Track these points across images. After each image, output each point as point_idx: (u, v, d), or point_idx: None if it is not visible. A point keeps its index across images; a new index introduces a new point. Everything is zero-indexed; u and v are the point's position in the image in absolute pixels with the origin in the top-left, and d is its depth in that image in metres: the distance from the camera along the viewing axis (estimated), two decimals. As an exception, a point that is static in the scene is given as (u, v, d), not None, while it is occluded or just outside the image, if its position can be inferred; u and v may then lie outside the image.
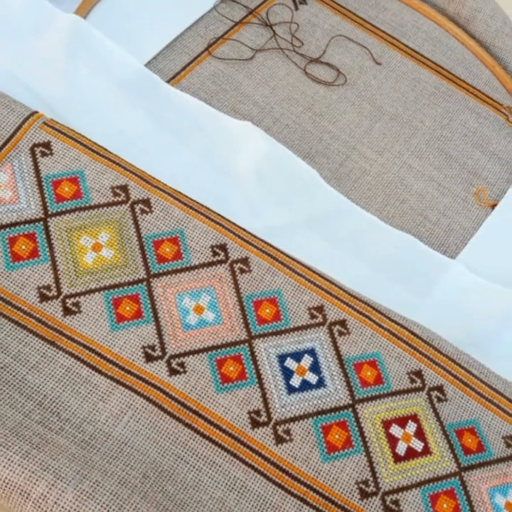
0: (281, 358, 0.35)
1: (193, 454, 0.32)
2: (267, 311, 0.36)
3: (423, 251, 0.42)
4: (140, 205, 0.37)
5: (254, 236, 0.38)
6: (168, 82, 0.46)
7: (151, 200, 0.37)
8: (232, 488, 0.32)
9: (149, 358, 0.34)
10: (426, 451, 0.35)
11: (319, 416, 0.34)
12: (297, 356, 0.35)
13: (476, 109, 0.51)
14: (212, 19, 0.49)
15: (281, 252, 0.38)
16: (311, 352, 0.36)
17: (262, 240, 0.38)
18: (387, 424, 0.35)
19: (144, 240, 0.36)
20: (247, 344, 0.35)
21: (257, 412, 0.34)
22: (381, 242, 0.42)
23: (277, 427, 0.34)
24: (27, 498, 0.29)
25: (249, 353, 0.35)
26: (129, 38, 0.45)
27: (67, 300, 0.34)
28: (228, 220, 0.38)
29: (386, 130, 0.49)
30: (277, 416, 0.34)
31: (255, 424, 0.33)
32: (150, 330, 0.34)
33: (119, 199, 0.37)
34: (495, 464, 0.36)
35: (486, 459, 0.36)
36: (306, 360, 0.35)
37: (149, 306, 0.35)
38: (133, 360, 0.33)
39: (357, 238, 0.42)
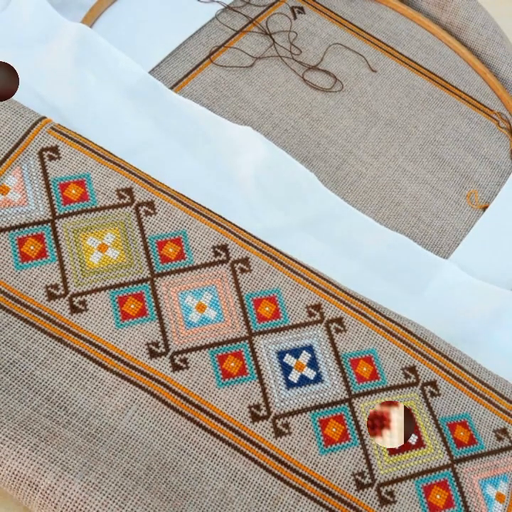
0: (281, 354, 0.36)
1: (196, 446, 0.33)
2: (267, 309, 0.37)
3: (417, 251, 0.43)
4: (144, 207, 0.38)
5: (255, 237, 0.38)
6: (171, 88, 0.46)
7: (155, 202, 0.38)
8: (233, 479, 0.33)
9: (153, 354, 0.34)
10: (420, 443, 0.35)
11: (317, 410, 0.35)
12: (296, 352, 0.36)
13: (468, 114, 0.52)
14: (214, 28, 0.50)
15: (281, 253, 0.38)
16: (309, 348, 0.36)
17: (262, 241, 0.39)
18: (382, 418, 0.35)
19: (148, 240, 0.37)
20: (247, 341, 0.35)
21: (257, 407, 0.34)
22: (376, 243, 0.43)
23: (276, 420, 0.34)
24: (35, 489, 0.30)
25: (249, 349, 0.35)
26: (133, 46, 0.46)
27: (74, 298, 0.35)
28: (229, 222, 0.39)
29: (381, 135, 0.49)
30: (276, 410, 0.34)
31: (255, 418, 0.34)
32: (154, 327, 0.35)
33: (124, 201, 0.37)
34: (486, 457, 0.36)
35: (478, 451, 0.36)
36: (305, 357, 0.36)
37: (153, 304, 0.35)
38: (137, 356, 0.34)
39: (353, 239, 0.43)
